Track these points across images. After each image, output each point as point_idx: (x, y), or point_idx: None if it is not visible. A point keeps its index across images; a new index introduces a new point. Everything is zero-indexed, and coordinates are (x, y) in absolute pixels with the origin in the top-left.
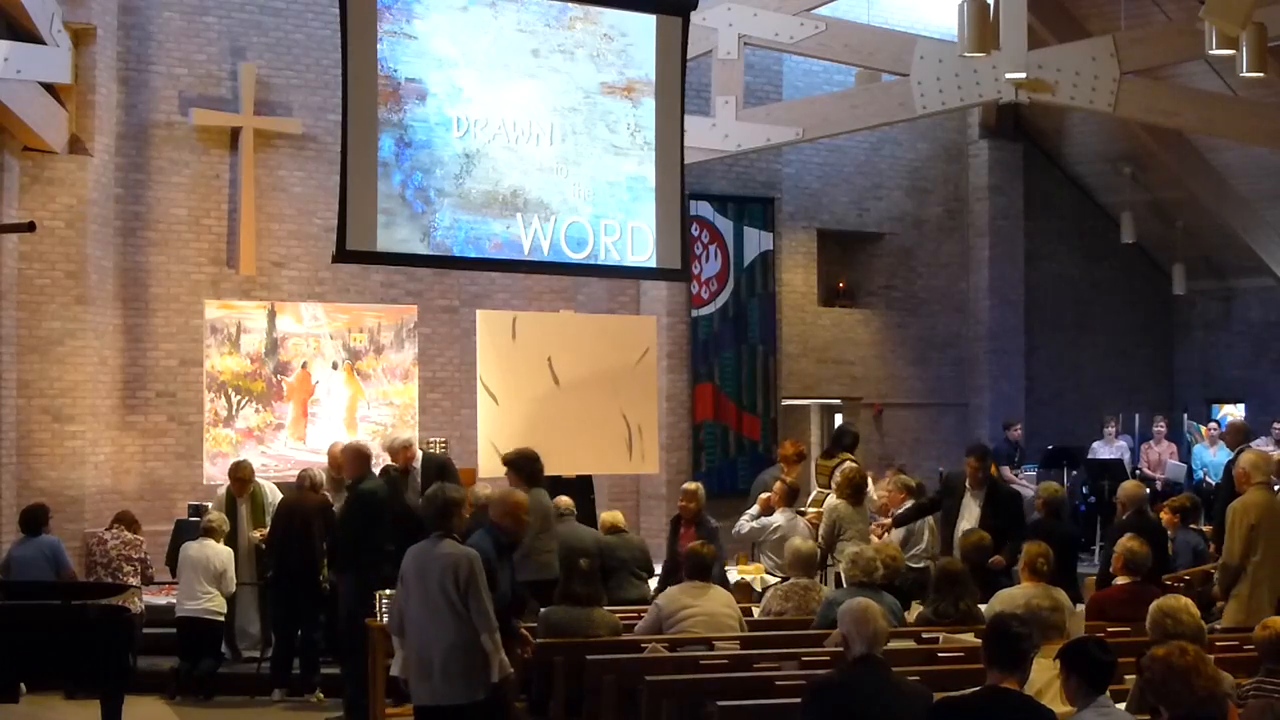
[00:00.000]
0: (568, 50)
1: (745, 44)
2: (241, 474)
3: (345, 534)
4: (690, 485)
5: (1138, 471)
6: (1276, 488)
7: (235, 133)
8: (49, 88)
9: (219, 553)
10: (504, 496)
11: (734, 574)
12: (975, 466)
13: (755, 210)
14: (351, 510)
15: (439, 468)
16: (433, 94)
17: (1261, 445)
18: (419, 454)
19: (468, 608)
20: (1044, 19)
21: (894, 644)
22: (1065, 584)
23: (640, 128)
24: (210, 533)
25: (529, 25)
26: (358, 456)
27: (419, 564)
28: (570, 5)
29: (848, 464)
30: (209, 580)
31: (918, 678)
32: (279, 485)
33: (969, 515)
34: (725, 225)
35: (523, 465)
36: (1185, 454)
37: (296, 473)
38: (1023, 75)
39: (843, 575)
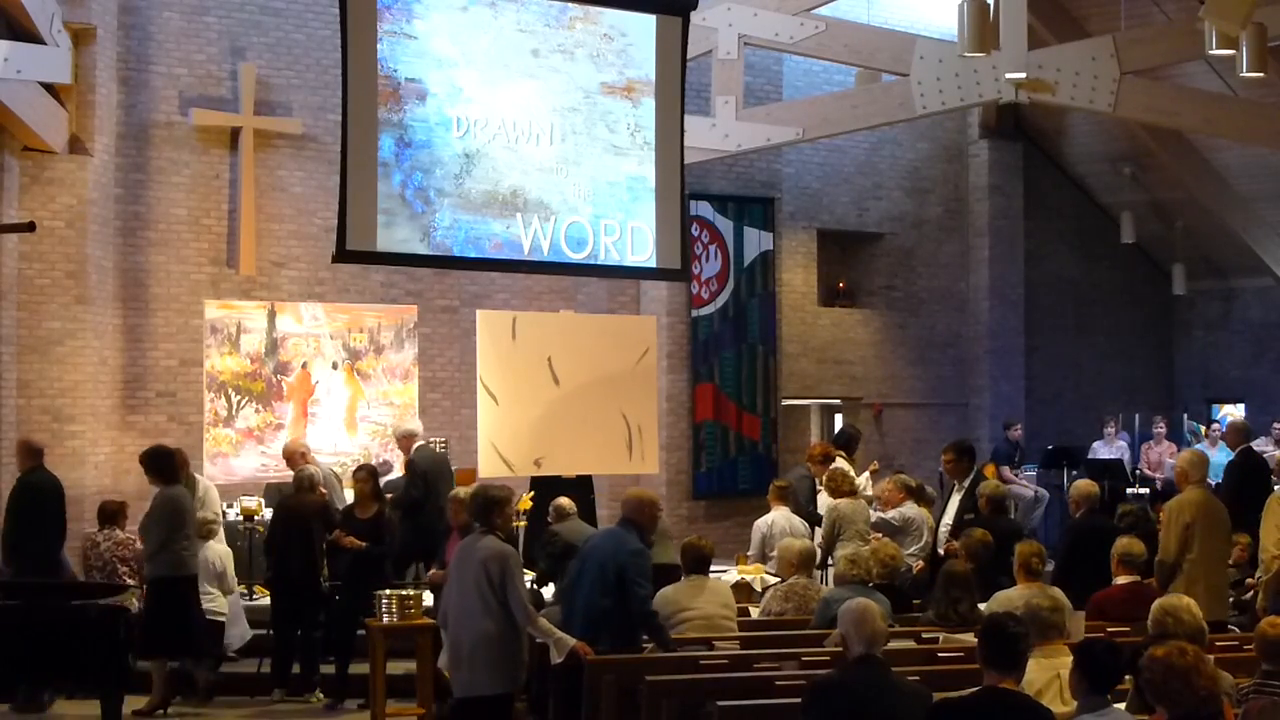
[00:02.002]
0: (568, 50)
1: (745, 44)
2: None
3: (8, 523)
4: (461, 492)
5: (1138, 471)
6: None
7: (235, 133)
8: (49, 88)
9: (218, 552)
10: (638, 495)
11: (734, 574)
12: (950, 460)
13: (755, 210)
14: (17, 501)
15: (410, 465)
16: (433, 94)
17: (1261, 445)
18: (416, 445)
19: (504, 603)
20: (1044, 19)
21: (894, 644)
22: (998, 578)
23: (640, 128)
24: (208, 534)
25: (529, 25)
26: (27, 450)
27: (460, 557)
28: (570, 5)
29: (836, 464)
30: (209, 580)
31: (918, 678)
32: (278, 486)
33: (949, 512)
34: (725, 225)
35: (155, 463)
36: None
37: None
38: (1023, 75)
39: (834, 574)
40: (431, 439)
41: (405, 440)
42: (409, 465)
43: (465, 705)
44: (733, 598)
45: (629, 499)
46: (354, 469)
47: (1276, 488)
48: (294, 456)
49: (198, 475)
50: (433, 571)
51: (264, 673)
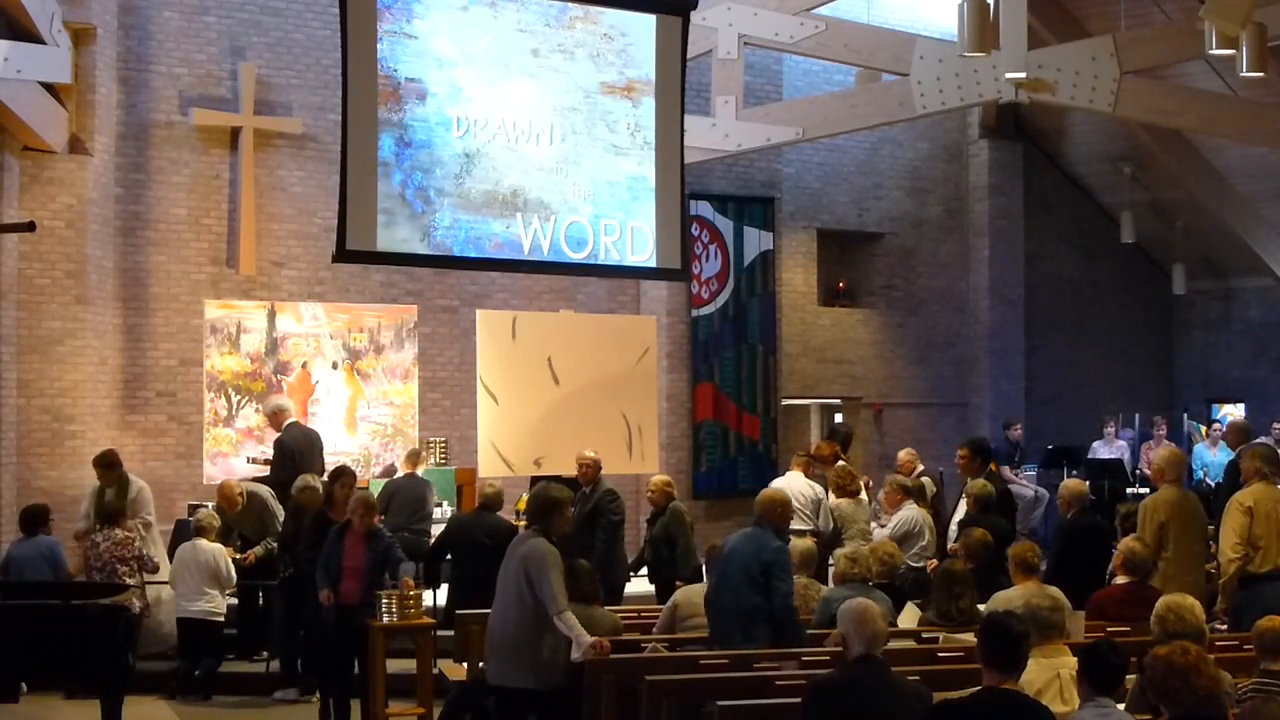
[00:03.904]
0: (568, 50)
1: (745, 44)
2: (104, 460)
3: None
4: (364, 495)
5: (1138, 471)
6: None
7: (235, 132)
8: (49, 88)
9: (213, 551)
10: (771, 495)
11: None
12: (965, 456)
13: (755, 210)
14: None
15: (278, 443)
16: (433, 94)
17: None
18: (287, 422)
19: (538, 602)
20: (1044, 19)
21: (894, 644)
22: (998, 577)
23: (640, 127)
24: (202, 532)
25: (529, 25)
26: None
27: (509, 553)
28: (570, 5)
29: (839, 464)
30: (207, 580)
31: (918, 678)
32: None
33: (959, 510)
34: (725, 225)
35: None
36: (1186, 454)
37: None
38: (1023, 75)
39: (834, 574)
40: (431, 439)
41: (275, 416)
42: (276, 443)
43: (495, 694)
44: None
45: (762, 499)
46: (335, 470)
47: (1237, 494)
48: (232, 497)
49: (132, 476)
50: (325, 593)
51: (263, 673)
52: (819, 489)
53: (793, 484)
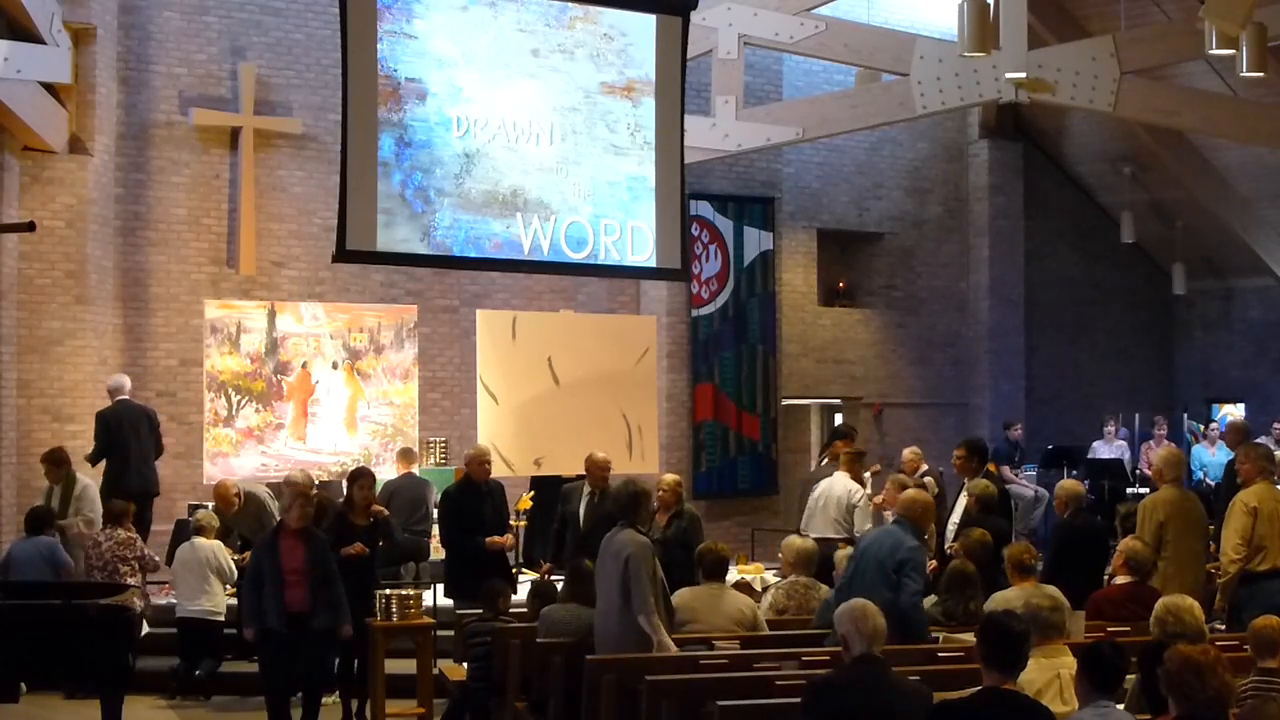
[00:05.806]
0: (568, 50)
1: (745, 44)
2: (54, 457)
3: None
4: (300, 489)
5: (1138, 471)
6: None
7: (235, 132)
8: (49, 88)
9: (211, 547)
10: (913, 496)
11: (734, 574)
12: (961, 456)
13: (755, 210)
14: None
15: (96, 419)
16: (433, 94)
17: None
18: (117, 399)
19: (629, 593)
20: (1044, 19)
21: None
22: (996, 578)
23: (640, 127)
24: (201, 531)
25: (529, 25)
26: None
27: (603, 551)
28: (570, 5)
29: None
30: (207, 576)
31: (918, 678)
32: (273, 485)
33: (957, 510)
34: (725, 225)
35: None
36: (1185, 454)
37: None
38: (1023, 75)
39: (836, 575)
40: (432, 439)
41: (110, 394)
42: (96, 418)
43: None
44: (749, 610)
45: (905, 499)
46: (353, 472)
47: (1240, 494)
48: (228, 497)
49: (80, 475)
50: (248, 630)
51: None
52: (858, 495)
53: (834, 487)
